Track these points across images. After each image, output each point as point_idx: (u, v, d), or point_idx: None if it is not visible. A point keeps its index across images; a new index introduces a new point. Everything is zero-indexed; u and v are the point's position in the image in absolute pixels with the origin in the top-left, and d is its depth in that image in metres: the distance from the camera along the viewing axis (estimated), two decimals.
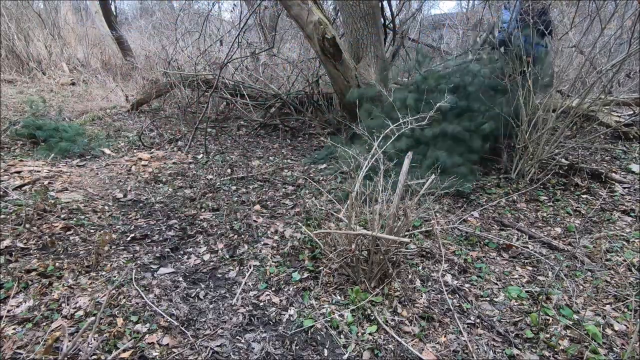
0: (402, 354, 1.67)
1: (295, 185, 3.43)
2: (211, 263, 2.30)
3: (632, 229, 2.71)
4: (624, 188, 3.31)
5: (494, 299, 2.03)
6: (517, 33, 3.30)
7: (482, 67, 3.45)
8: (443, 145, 3.19)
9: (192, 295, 2.01)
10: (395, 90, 3.68)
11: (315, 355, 1.67)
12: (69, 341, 1.50)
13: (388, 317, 1.86)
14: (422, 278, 2.17)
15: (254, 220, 2.76)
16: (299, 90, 5.11)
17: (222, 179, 3.50)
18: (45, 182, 3.17)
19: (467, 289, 2.10)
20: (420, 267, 2.27)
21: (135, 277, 2.09)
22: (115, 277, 2.09)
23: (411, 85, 3.62)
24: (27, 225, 2.46)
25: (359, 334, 1.77)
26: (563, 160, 3.57)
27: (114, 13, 10.03)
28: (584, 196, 3.21)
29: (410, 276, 2.17)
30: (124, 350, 1.59)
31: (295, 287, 2.09)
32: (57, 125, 4.19)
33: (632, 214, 2.91)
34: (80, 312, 1.81)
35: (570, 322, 1.82)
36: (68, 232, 2.51)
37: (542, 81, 3.22)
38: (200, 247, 2.45)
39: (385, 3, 4.71)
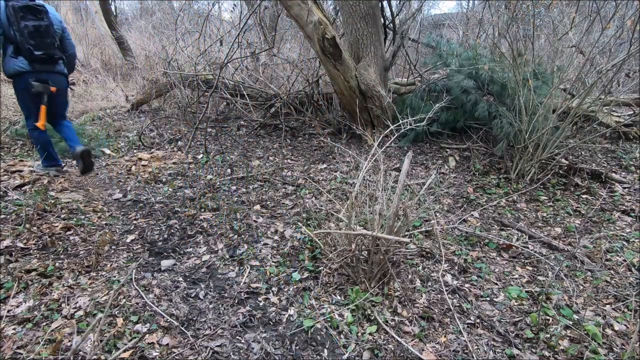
0: (402, 354, 1.67)
1: (295, 185, 3.43)
2: (211, 263, 2.30)
3: (632, 229, 2.71)
4: (624, 188, 3.31)
5: (494, 299, 2.03)
6: None
7: None
8: None
9: (192, 295, 2.01)
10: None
11: (315, 355, 1.67)
12: (69, 341, 1.50)
13: (388, 317, 1.86)
14: (422, 278, 2.17)
15: (254, 220, 2.76)
16: (299, 90, 5.11)
17: (222, 179, 3.50)
18: (45, 182, 3.17)
19: (467, 289, 2.10)
20: (420, 267, 2.27)
21: (135, 277, 2.09)
22: (115, 277, 2.09)
23: None
24: (27, 225, 2.46)
25: (359, 334, 1.77)
26: (563, 160, 3.57)
27: (114, 13, 10.02)
28: (584, 196, 3.21)
29: (410, 276, 2.17)
30: (124, 350, 1.59)
31: (295, 287, 2.09)
32: None
33: (632, 214, 2.91)
34: (80, 312, 1.81)
35: (570, 322, 1.82)
36: (68, 232, 2.51)
37: None
38: (200, 247, 2.45)
39: (385, 3, 4.70)
